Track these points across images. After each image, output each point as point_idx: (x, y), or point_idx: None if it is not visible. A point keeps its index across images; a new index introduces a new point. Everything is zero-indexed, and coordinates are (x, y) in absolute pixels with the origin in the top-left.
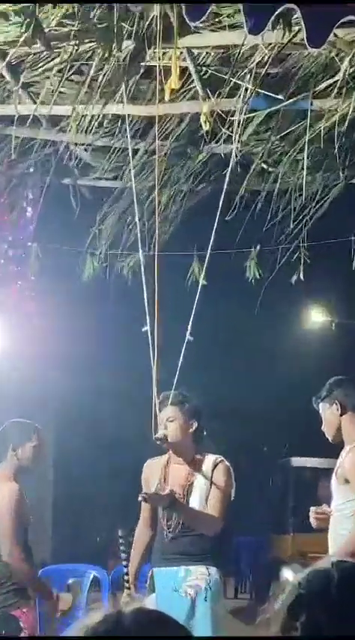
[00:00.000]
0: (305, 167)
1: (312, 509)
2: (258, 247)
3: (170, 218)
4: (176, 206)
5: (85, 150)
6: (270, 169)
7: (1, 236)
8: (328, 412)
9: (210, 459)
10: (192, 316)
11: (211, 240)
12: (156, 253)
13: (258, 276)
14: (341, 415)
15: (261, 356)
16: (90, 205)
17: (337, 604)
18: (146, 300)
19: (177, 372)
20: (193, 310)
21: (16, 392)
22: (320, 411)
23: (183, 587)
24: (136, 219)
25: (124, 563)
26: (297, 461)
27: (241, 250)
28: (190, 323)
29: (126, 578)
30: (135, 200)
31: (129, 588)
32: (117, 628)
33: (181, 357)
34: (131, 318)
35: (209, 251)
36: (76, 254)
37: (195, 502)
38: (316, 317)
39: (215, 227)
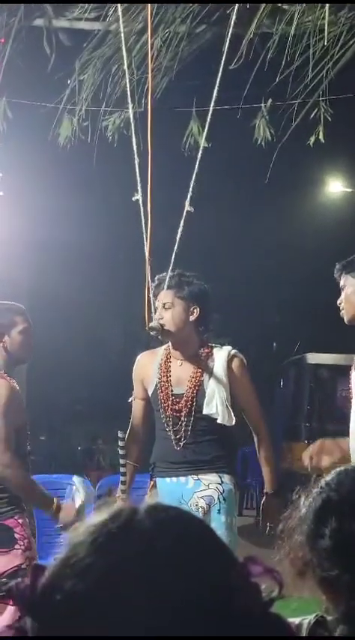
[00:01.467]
0: (327, 3)
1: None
2: (270, 102)
3: (164, 67)
4: (171, 53)
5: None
6: (285, 6)
7: None
8: (352, 288)
9: (222, 352)
10: (193, 182)
11: (214, 94)
12: (149, 109)
13: (269, 137)
14: None
15: (272, 233)
16: (68, 52)
17: None
18: (137, 165)
19: (175, 250)
20: (194, 176)
21: None
22: (340, 283)
23: (194, 498)
24: (125, 66)
25: (122, 470)
26: (313, 357)
27: (249, 106)
28: (190, 191)
29: (122, 487)
30: (123, 44)
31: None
32: (131, 525)
33: (179, 232)
34: (119, 187)
35: (211, 107)
36: (52, 111)
37: (212, 407)
38: (338, 186)
39: (219, 78)
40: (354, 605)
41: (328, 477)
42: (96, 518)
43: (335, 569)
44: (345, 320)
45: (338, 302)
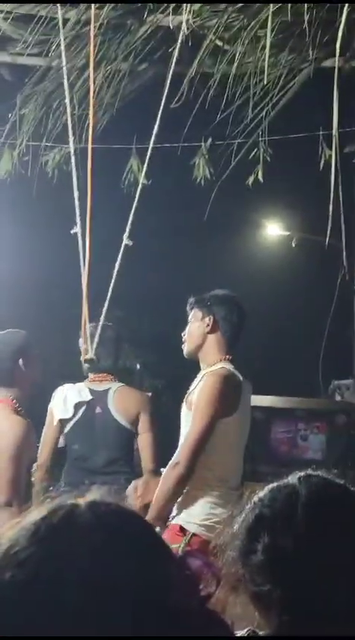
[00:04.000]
0: (268, 45)
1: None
2: (210, 141)
3: (106, 104)
4: (113, 89)
5: (5, 19)
6: (226, 47)
7: None
8: (196, 324)
9: None
10: (132, 216)
11: (154, 132)
12: (89, 144)
13: (208, 176)
14: (209, 332)
15: (208, 272)
16: (9, 87)
17: (303, 524)
18: (76, 198)
19: (112, 283)
20: (133, 210)
21: None
22: (189, 317)
23: None
24: (66, 101)
25: None
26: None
27: (189, 144)
28: (129, 224)
29: None
30: (65, 79)
31: None
32: (72, 518)
33: (117, 265)
34: (58, 221)
35: (151, 144)
36: None
37: None
38: (275, 229)
39: (159, 116)
40: (286, 620)
41: (261, 493)
42: (37, 512)
43: (267, 585)
44: (184, 353)
45: (182, 334)
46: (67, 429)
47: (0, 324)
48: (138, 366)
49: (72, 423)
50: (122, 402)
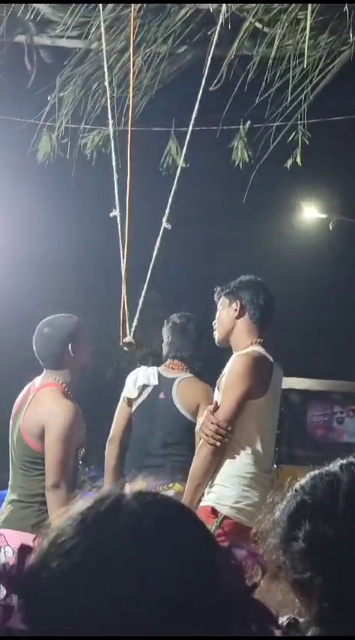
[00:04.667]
0: (307, 28)
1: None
2: (248, 124)
3: (144, 86)
4: (152, 72)
5: (44, 1)
6: (265, 30)
7: None
8: (224, 310)
9: None
10: (170, 200)
11: (193, 115)
12: (129, 127)
13: (246, 159)
14: (237, 317)
15: (246, 254)
16: (49, 69)
17: (344, 512)
18: (115, 182)
19: (151, 267)
20: (171, 194)
21: None
22: (217, 305)
23: None
24: (106, 83)
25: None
26: (284, 382)
27: (228, 127)
28: (168, 208)
29: None
30: (105, 61)
31: None
32: (118, 507)
33: (156, 248)
34: (97, 204)
35: (190, 127)
36: (31, 127)
37: None
38: (312, 211)
39: (199, 98)
40: (326, 607)
41: (302, 481)
42: (83, 502)
43: (307, 572)
44: (216, 341)
45: (213, 323)
46: (133, 408)
47: (41, 305)
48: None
49: (137, 403)
50: (184, 391)
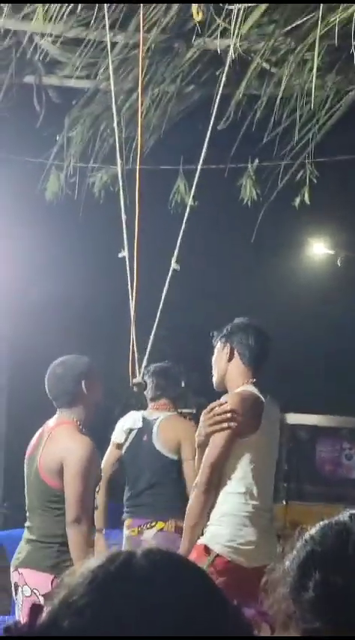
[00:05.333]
0: (315, 68)
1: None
2: (256, 163)
3: (152, 126)
4: (160, 111)
5: (53, 42)
6: (273, 70)
7: None
8: (218, 354)
9: None
10: (179, 241)
11: (202, 154)
12: (137, 167)
13: (255, 197)
14: (228, 360)
15: (255, 293)
16: (57, 109)
17: (354, 562)
18: (124, 222)
19: (160, 306)
20: (180, 233)
21: None
22: (215, 349)
23: None
24: (115, 123)
25: None
26: (292, 417)
27: (236, 166)
28: (177, 249)
29: None
30: (113, 101)
31: None
32: (129, 566)
33: (165, 289)
34: (105, 243)
35: (199, 166)
36: (39, 166)
37: None
38: (320, 247)
39: (207, 137)
40: None
41: (312, 531)
42: (93, 561)
43: (317, 622)
44: (214, 386)
45: (213, 363)
46: (123, 451)
47: (49, 347)
48: (182, 384)
49: (125, 447)
50: (165, 431)
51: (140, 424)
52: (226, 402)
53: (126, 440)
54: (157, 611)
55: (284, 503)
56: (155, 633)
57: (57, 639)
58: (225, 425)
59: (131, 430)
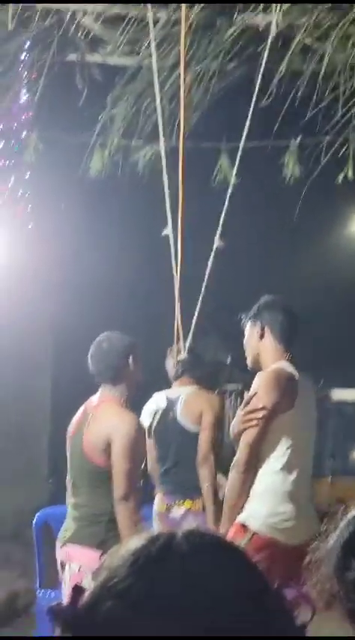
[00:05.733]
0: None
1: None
2: (299, 139)
3: (195, 103)
4: (202, 89)
5: (95, 20)
6: (316, 46)
7: None
8: (249, 334)
9: None
10: (223, 217)
11: (245, 131)
12: (180, 144)
13: (297, 174)
14: (261, 339)
15: (300, 270)
16: (100, 87)
17: None
18: (167, 199)
19: (204, 285)
20: (224, 210)
21: (7, 314)
22: (245, 329)
23: None
24: (157, 101)
25: None
26: (338, 393)
27: (279, 143)
28: (220, 226)
29: None
30: (155, 78)
31: None
32: (169, 548)
33: (208, 268)
34: (149, 221)
35: (242, 143)
36: (83, 145)
37: None
38: None
39: (250, 114)
40: None
41: None
42: (134, 542)
43: None
44: (248, 366)
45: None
46: (151, 433)
47: (92, 325)
48: (229, 359)
49: (152, 429)
50: (188, 405)
51: (164, 404)
52: (260, 403)
53: (152, 421)
54: (198, 593)
55: (330, 479)
56: (195, 615)
57: (97, 622)
58: (255, 423)
59: (156, 411)
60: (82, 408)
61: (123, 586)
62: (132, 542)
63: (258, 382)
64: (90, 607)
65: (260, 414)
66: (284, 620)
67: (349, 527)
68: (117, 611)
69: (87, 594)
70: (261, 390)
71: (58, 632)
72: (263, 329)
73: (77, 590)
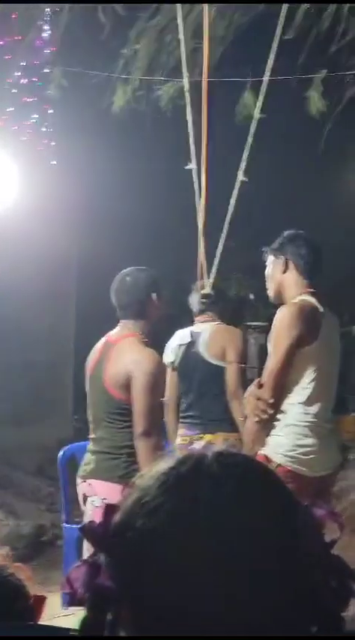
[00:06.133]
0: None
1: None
2: (324, 73)
3: (218, 37)
4: (226, 22)
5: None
6: None
7: (12, 61)
8: (272, 267)
9: None
10: (246, 152)
11: (269, 64)
12: (204, 79)
13: (322, 109)
14: (284, 272)
15: (325, 205)
16: (123, 21)
17: None
18: (191, 134)
19: (228, 219)
20: (248, 145)
21: (32, 250)
22: (268, 262)
23: None
24: (180, 35)
25: None
26: None
27: (304, 77)
28: (244, 161)
29: None
30: (179, 12)
31: None
32: (200, 468)
33: (232, 202)
34: (172, 156)
35: (266, 77)
36: (106, 80)
37: None
38: None
39: (274, 48)
40: None
41: None
42: (165, 463)
43: None
44: (270, 299)
45: (266, 283)
46: (177, 367)
47: (116, 259)
48: (251, 296)
49: (177, 364)
50: (212, 339)
51: (188, 339)
52: (265, 394)
53: (177, 356)
54: (228, 513)
55: (353, 415)
56: (226, 533)
57: (128, 539)
58: (257, 418)
59: (180, 346)
60: (101, 343)
61: (154, 505)
62: (163, 463)
63: (280, 316)
64: (122, 525)
65: (283, 347)
66: (313, 536)
67: None
68: (149, 529)
69: (118, 513)
70: (283, 324)
71: (89, 551)
72: (286, 262)
73: (109, 508)
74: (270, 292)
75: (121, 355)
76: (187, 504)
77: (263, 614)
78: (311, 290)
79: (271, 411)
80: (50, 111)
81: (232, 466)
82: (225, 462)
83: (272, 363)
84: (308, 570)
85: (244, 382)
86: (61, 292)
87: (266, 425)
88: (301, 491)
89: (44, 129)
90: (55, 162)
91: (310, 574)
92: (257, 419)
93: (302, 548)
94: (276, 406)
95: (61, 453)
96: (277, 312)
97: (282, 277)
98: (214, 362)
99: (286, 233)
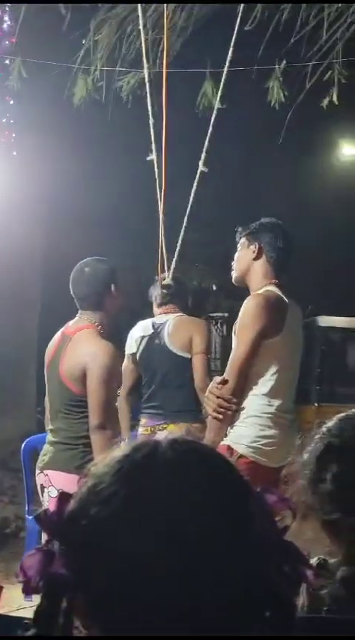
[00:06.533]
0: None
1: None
2: (284, 64)
3: (179, 28)
4: (186, 13)
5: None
6: None
7: None
8: (243, 251)
9: None
10: (207, 143)
11: (228, 55)
12: (164, 70)
13: (282, 99)
14: (255, 259)
15: (284, 195)
16: (83, 12)
17: None
18: (151, 125)
19: (188, 210)
20: (208, 135)
21: None
22: (238, 245)
23: None
24: (140, 26)
25: None
26: (324, 320)
27: (264, 67)
28: (204, 151)
29: None
30: (139, 4)
31: None
32: (155, 456)
33: (192, 192)
34: (133, 147)
35: (226, 68)
36: (66, 71)
37: None
38: (350, 149)
39: (234, 39)
40: None
41: (330, 423)
42: (119, 451)
43: (336, 513)
44: (233, 280)
45: (232, 263)
46: (138, 360)
47: (76, 251)
48: (214, 287)
49: (139, 355)
50: (176, 330)
51: (150, 330)
52: (228, 395)
53: (138, 347)
54: (182, 499)
55: (316, 405)
56: (180, 520)
57: (83, 527)
58: (221, 416)
59: (143, 337)
60: (59, 333)
61: (109, 492)
62: (117, 451)
63: (248, 306)
64: (76, 512)
65: (249, 338)
66: (266, 522)
67: (323, 440)
68: (103, 516)
69: (72, 501)
70: (250, 314)
71: (44, 539)
72: (260, 250)
73: (63, 497)
74: (234, 273)
75: (77, 347)
76: (141, 491)
77: (216, 599)
78: (276, 281)
79: (233, 408)
80: (11, 102)
81: (186, 453)
82: (180, 449)
83: (237, 353)
84: (261, 556)
85: (209, 373)
86: (25, 284)
87: (228, 418)
88: (262, 482)
89: (4, 120)
90: (15, 154)
91: (263, 559)
92: (220, 417)
93: (255, 533)
94: (239, 398)
95: (22, 445)
96: (244, 302)
97: (251, 263)
98: (179, 353)
99: (263, 220)
